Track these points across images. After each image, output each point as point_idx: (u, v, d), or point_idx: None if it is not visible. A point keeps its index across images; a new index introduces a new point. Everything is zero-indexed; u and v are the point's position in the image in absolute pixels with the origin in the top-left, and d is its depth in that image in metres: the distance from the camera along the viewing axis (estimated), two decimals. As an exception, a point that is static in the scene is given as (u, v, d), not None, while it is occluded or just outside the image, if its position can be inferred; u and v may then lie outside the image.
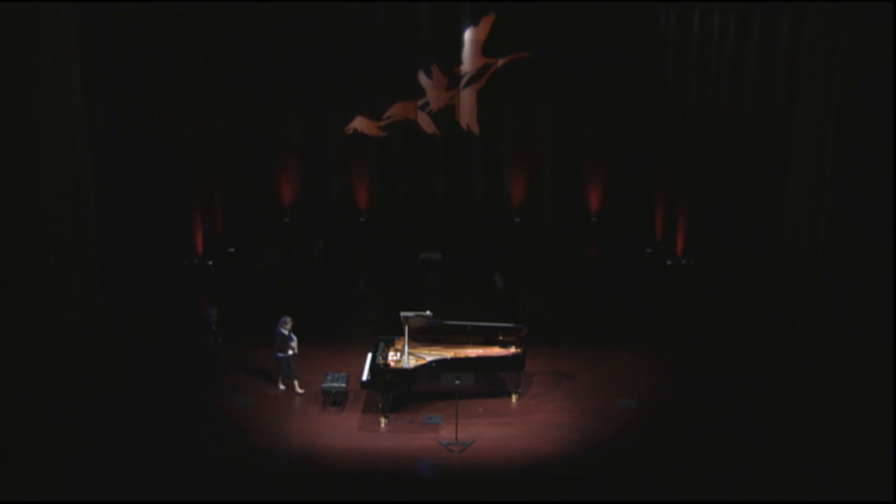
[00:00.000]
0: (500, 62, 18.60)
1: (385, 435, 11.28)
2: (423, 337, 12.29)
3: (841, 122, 12.39)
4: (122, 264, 14.22)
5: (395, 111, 18.85)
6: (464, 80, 18.69)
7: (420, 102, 18.79)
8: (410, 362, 11.76)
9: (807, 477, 10.12)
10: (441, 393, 11.86)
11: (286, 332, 12.19)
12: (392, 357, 11.96)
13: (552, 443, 11.07)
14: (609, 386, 12.64)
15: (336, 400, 11.95)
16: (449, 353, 12.01)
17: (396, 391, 11.62)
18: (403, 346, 11.87)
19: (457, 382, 11.12)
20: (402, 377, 11.59)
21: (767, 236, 13.77)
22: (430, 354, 12.03)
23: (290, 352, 12.20)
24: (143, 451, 10.65)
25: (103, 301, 13.63)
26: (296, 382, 12.33)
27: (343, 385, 11.91)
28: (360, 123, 18.83)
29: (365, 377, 11.77)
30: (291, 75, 18.28)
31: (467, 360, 11.99)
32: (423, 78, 18.67)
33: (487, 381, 12.50)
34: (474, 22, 18.39)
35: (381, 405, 11.58)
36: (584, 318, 15.42)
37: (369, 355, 12.02)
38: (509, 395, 12.31)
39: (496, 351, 12.31)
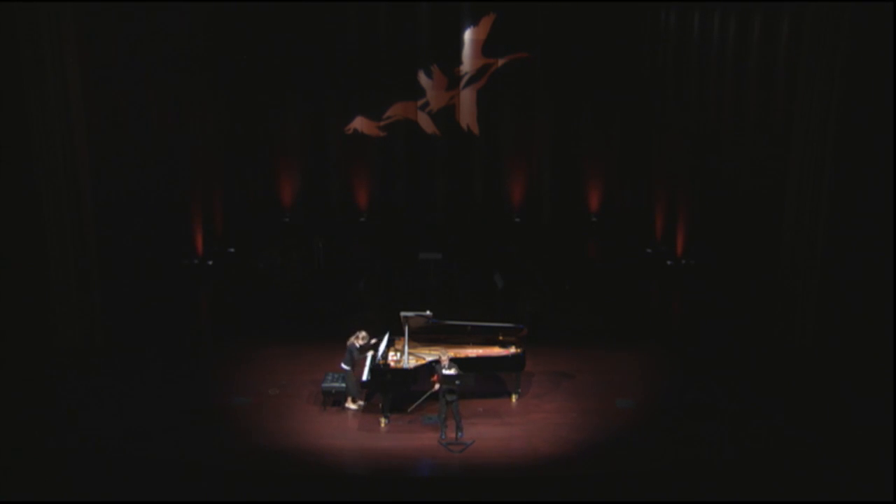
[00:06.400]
0: (500, 62, 18.61)
1: (385, 435, 11.28)
2: (423, 337, 12.29)
3: (841, 121, 12.39)
4: (122, 264, 14.22)
5: (395, 111, 18.86)
6: (464, 80, 18.70)
7: (420, 102, 18.81)
8: (410, 362, 11.77)
9: (807, 477, 10.11)
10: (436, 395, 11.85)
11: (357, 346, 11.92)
12: (392, 357, 11.96)
13: (552, 443, 11.06)
14: (609, 386, 12.63)
15: (336, 400, 11.94)
16: (449, 353, 12.00)
17: (396, 391, 11.62)
18: (403, 346, 11.87)
19: (457, 383, 11.12)
20: (402, 377, 11.59)
21: (767, 236, 13.77)
22: (430, 354, 12.03)
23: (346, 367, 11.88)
24: (143, 451, 10.64)
25: (103, 301, 13.63)
26: (349, 399, 11.97)
27: (343, 385, 11.90)
28: (360, 123, 18.84)
29: (365, 377, 11.78)
30: (291, 75, 18.29)
31: (467, 360, 11.99)
32: (423, 78, 18.68)
33: (487, 381, 12.50)
34: (474, 22, 18.41)
35: (381, 405, 11.58)
36: (584, 319, 15.43)
37: (369, 355, 12.03)
38: (509, 395, 12.30)
39: (496, 351, 12.31)
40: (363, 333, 12.04)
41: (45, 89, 12.70)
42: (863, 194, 12.20)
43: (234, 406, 12.00)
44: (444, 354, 11.49)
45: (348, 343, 11.97)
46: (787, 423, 11.39)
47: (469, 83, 18.73)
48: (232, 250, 18.04)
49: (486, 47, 18.53)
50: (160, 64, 15.63)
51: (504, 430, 11.42)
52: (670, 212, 17.51)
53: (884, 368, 11.46)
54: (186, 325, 15.11)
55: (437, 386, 11.25)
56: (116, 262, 14.05)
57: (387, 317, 13.03)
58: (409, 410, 11.62)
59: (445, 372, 11.15)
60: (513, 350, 12.29)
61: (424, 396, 11.50)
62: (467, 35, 18.47)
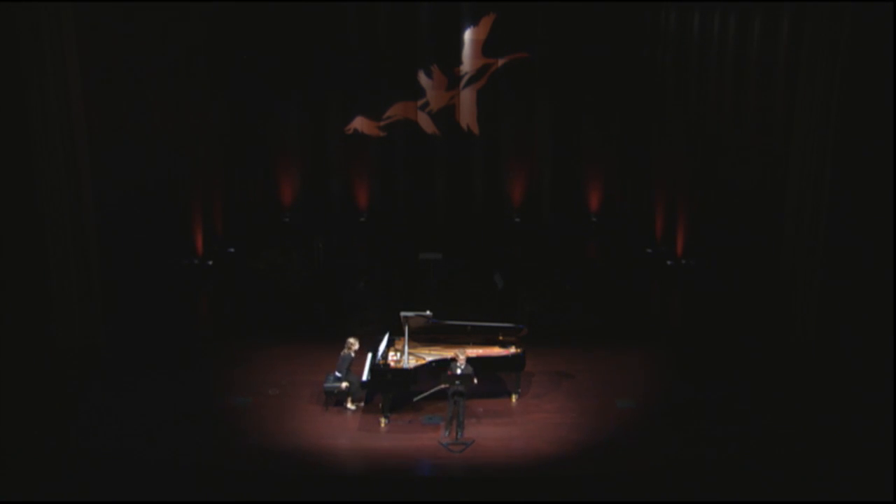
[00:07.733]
0: (500, 62, 18.61)
1: (385, 435, 11.28)
2: (423, 337, 12.29)
3: (841, 121, 12.38)
4: (122, 264, 14.22)
5: (395, 111, 18.86)
6: (464, 80, 18.70)
7: (420, 102, 18.80)
8: (410, 362, 11.77)
9: (807, 476, 10.11)
10: (441, 393, 11.85)
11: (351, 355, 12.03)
12: (392, 357, 11.96)
13: (552, 443, 11.06)
14: (609, 386, 12.63)
15: (338, 400, 11.95)
16: (449, 353, 12.00)
17: (396, 391, 11.62)
18: (403, 346, 11.87)
19: (457, 383, 11.12)
20: (402, 377, 11.59)
21: (767, 236, 13.77)
22: (430, 354, 12.03)
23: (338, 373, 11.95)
24: (143, 451, 10.64)
25: (103, 301, 13.63)
26: (349, 399, 12.00)
27: (345, 385, 11.90)
28: (360, 123, 18.84)
29: (365, 377, 11.78)
30: (291, 75, 18.29)
31: (467, 360, 11.97)
32: (423, 78, 18.68)
33: (487, 381, 12.48)
34: (474, 22, 18.41)
35: (381, 405, 11.58)
36: (584, 319, 15.43)
37: (369, 355, 12.03)
38: (509, 395, 12.30)
39: (496, 351, 12.31)
40: (351, 340, 12.10)
41: (46, 89, 12.69)
42: (863, 194, 12.19)
43: (234, 406, 12.00)
44: (461, 353, 11.45)
45: (342, 353, 12.01)
46: (787, 422, 11.39)
47: (469, 83, 18.73)
48: (232, 250, 18.03)
49: (486, 47, 18.53)
50: (160, 64, 15.62)
51: (504, 430, 11.42)
52: (670, 212, 17.50)
53: (884, 367, 11.45)
54: (186, 326, 15.11)
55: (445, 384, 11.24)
56: (116, 262, 14.04)
57: (387, 317, 13.02)
58: (415, 400, 11.58)
59: (459, 372, 11.12)
60: (513, 350, 12.29)
61: (433, 390, 11.45)
62: (467, 35, 18.47)
